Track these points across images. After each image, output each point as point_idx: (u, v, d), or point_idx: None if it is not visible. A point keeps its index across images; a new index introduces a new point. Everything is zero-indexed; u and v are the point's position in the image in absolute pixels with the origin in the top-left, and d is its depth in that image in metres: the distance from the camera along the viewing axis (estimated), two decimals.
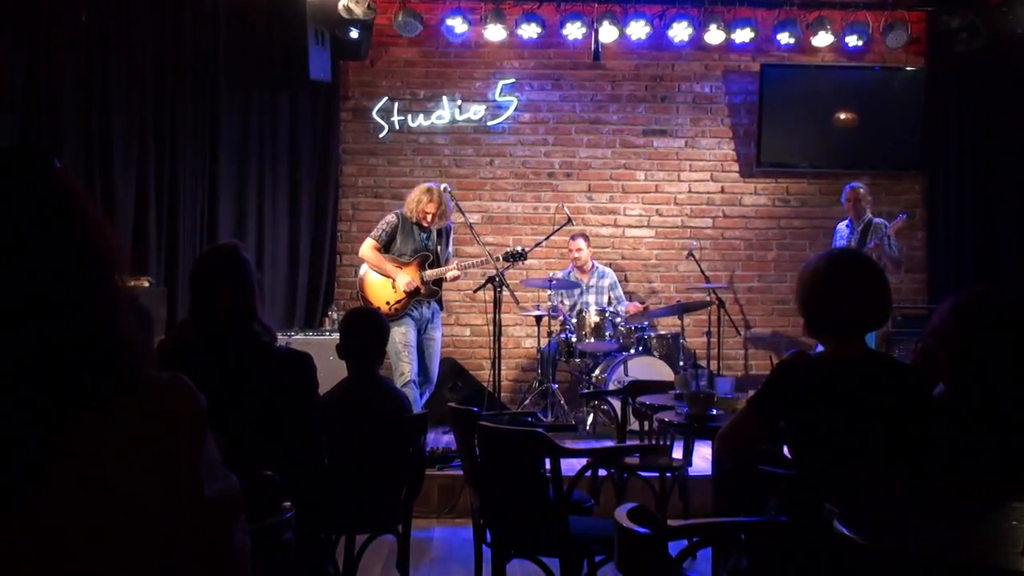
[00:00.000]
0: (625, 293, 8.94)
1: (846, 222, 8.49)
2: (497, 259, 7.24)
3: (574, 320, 8.06)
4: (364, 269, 7.20)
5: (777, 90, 9.31)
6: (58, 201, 1.38)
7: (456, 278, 7.29)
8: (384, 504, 4.08)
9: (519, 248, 7.37)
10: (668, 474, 5.43)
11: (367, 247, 7.14)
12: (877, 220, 8.28)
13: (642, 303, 9.02)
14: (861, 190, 8.35)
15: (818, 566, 2.64)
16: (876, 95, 9.34)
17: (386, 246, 7.10)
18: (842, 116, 9.40)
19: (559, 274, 8.57)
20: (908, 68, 9.43)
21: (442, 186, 7.12)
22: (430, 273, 7.04)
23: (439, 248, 7.17)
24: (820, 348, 3.76)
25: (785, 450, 3.36)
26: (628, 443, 5.75)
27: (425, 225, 7.08)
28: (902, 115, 9.34)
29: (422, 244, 7.09)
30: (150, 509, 1.38)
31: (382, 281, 7.05)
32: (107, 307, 1.38)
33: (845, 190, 8.45)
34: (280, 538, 2.30)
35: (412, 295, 6.99)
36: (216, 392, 1.49)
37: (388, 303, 6.97)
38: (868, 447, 2.95)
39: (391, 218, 7.19)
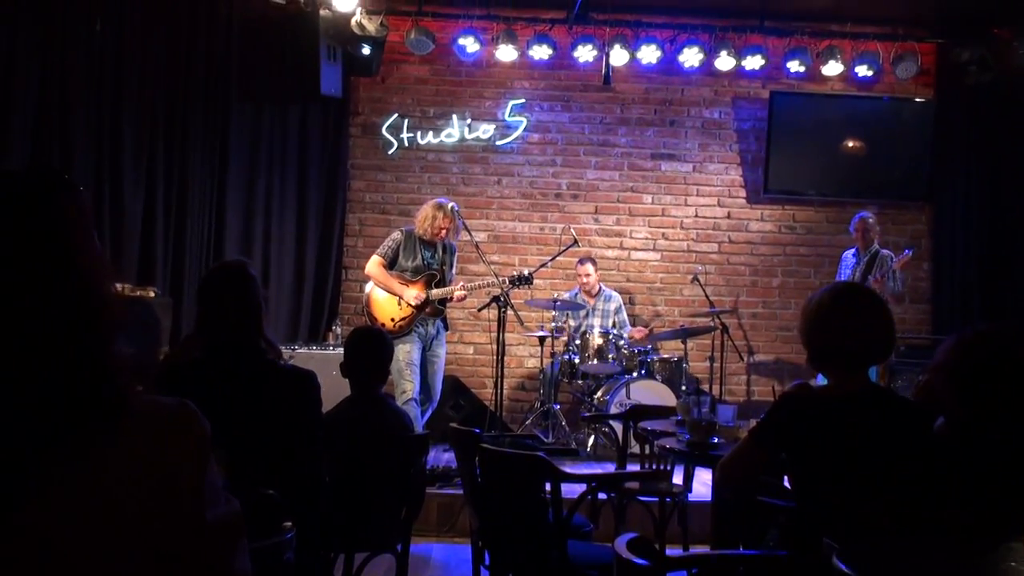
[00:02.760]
0: (630, 316, 8.95)
1: (853, 251, 8.50)
2: (503, 281, 7.24)
3: (577, 341, 8.07)
4: (370, 286, 7.21)
5: (786, 117, 9.33)
6: (47, 234, 1.38)
7: (463, 298, 7.31)
8: (384, 522, 4.08)
9: (526, 272, 7.36)
10: (668, 500, 5.42)
11: (373, 264, 7.15)
12: (884, 252, 8.27)
13: (646, 327, 9.02)
14: (870, 220, 8.36)
15: None
16: (885, 125, 9.37)
17: (391, 263, 7.12)
18: (850, 145, 9.42)
19: (565, 295, 8.58)
20: (917, 99, 9.46)
21: (450, 205, 7.13)
22: (436, 292, 7.05)
23: (444, 268, 7.18)
24: (820, 378, 3.77)
25: (786, 481, 3.37)
26: (629, 467, 5.75)
27: (439, 241, 7.10)
28: (910, 146, 9.36)
29: (425, 262, 7.10)
30: (152, 533, 1.39)
31: (388, 298, 7.06)
32: (95, 336, 1.39)
33: (854, 220, 8.45)
34: (280, 558, 2.30)
35: (420, 309, 7.00)
36: (220, 408, 1.51)
37: (393, 320, 6.98)
38: (868, 482, 2.95)
39: (396, 235, 7.21)
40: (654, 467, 5.53)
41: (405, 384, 6.89)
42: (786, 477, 3.33)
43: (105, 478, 1.35)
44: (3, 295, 1.32)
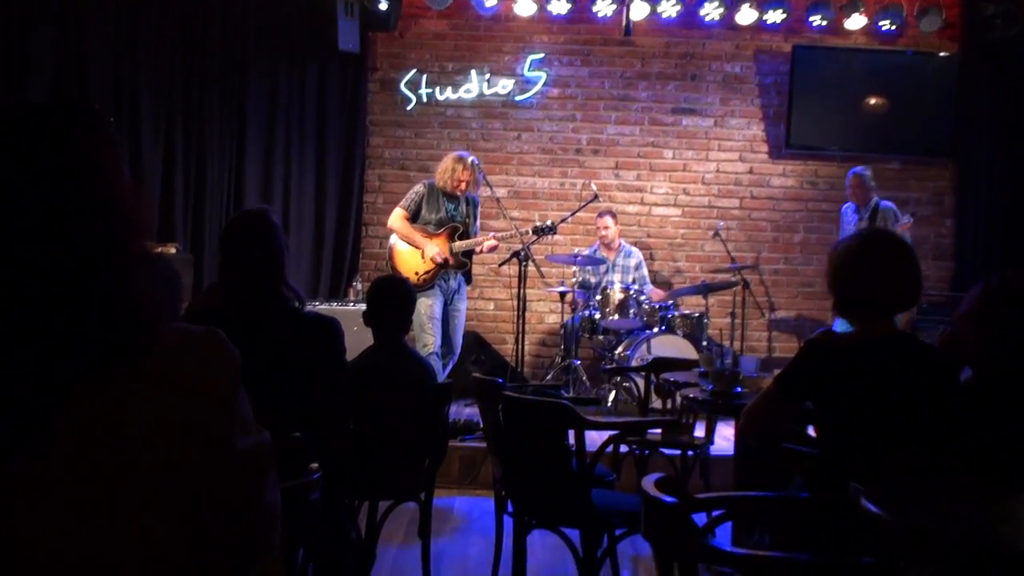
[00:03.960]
0: (650, 272, 8.91)
1: (852, 206, 8.42)
2: (526, 232, 7.23)
3: (598, 297, 8.05)
4: (393, 239, 7.19)
5: (808, 72, 9.24)
6: (76, 162, 1.37)
7: (494, 248, 7.27)
8: (407, 472, 4.09)
9: (548, 222, 7.35)
10: (690, 453, 5.39)
11: (396, 217, 7.13)
12: (884, 204, 8.22)
13: (667, 286, 8.98)
14: (865, 175, 8.28)
15: (841, 545, 2.64)
16: (908, 80, 9.26)
17: (414, 216, 7.10)
18: (873, 100, 9.32)
19: (585, 251, 8.56)
20: (941, 54, 9.33)
21: (470, 158, 7.09)
22: (459, 244, 7.03)
23: (468, 221, 7.15)
24: (839, 326, 3.74)
25: (810, 430, 3.36)
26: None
27: (459, 193, 7.08)
28: (934, 101, 9.25)
29: (448, 215, 7.08)
30: (182, 459, 1.39)
31: (411, 251, 7.05)
32: (126, 270, 1.38)
33: (848, 176, 8.38)
34: (307, 498, 2.31)
35: (441, 266, 6.99)
36: (244, 355, 1.49)
37: (417, 273, 6.96)
38: (894, 427, 2.94)
39: (419, 188, 7.18)
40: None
41: (427, 338, 6.89)
42: (810, 425, 3.33)
43: (137, 406, 1.36)
44: (31, 226, 1.32)
